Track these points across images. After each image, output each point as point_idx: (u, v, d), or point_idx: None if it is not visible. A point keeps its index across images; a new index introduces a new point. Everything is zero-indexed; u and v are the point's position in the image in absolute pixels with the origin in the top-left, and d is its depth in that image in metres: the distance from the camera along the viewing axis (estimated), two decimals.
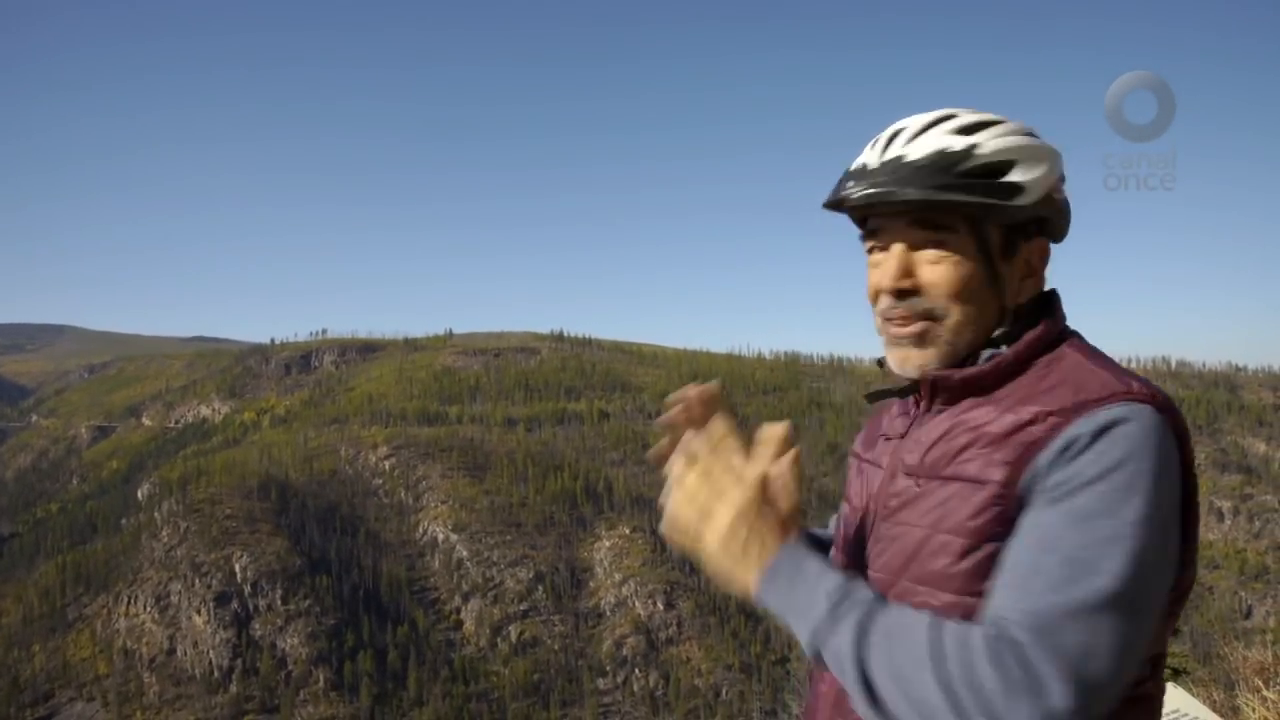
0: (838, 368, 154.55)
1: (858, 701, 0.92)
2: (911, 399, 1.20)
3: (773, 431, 1.10)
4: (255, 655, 78.77)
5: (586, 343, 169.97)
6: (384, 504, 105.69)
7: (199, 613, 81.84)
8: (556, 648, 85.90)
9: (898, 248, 1.11)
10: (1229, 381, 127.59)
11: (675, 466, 1.03)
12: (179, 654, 79.99)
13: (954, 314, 1.10)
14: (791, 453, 1.08)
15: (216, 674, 77.64)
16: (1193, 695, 4.41)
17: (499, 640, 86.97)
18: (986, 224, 1.09)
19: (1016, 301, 1.13)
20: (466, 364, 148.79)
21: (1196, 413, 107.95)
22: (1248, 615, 79.36)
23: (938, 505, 1.05)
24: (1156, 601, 0.93)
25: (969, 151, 1.07)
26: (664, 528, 1.03)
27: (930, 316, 1.10)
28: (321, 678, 77.94)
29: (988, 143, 1.08)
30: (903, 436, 1.17)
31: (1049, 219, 1.13)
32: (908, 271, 1.10)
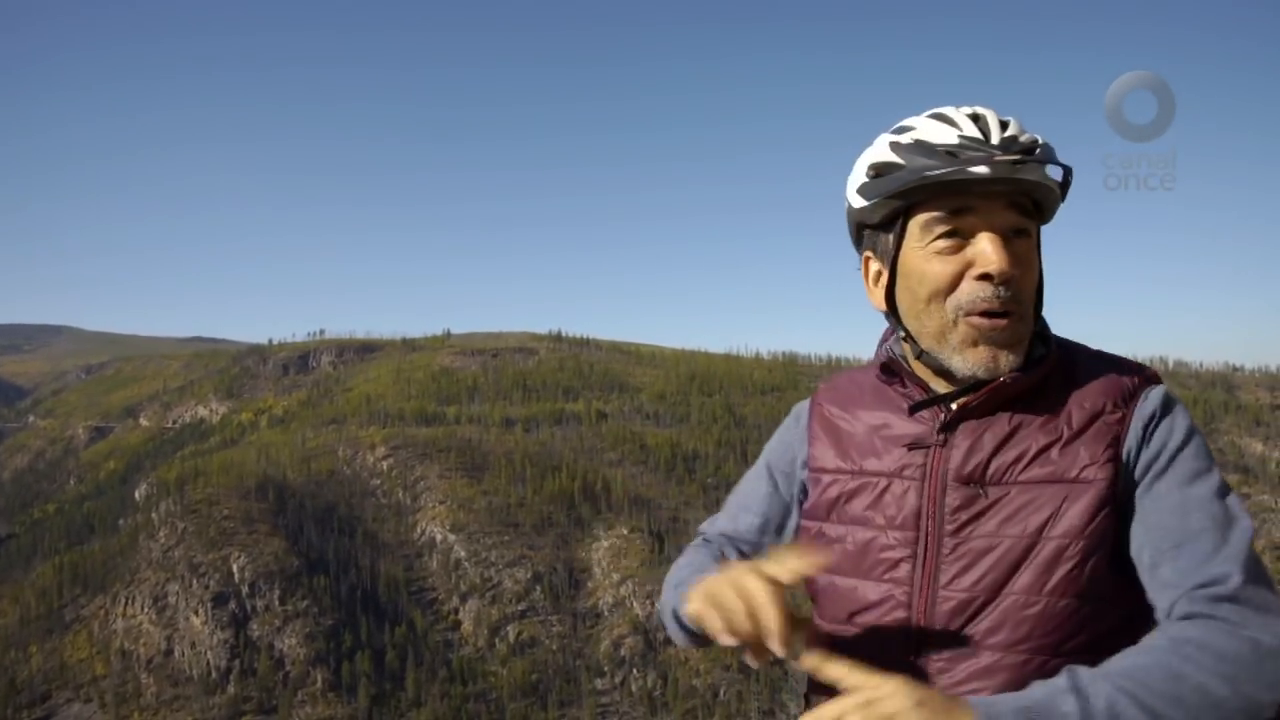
0: (835, 368, 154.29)
1: None
2: (915, 402, 1.12)
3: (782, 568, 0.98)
4: (253, 656, 78.59)
5: (584, 343, 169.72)
6: (382, 504, 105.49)
7: (196, 613, 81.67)
8: (554, 648, 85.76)
9: (989, 234, 1.01)
10: (1226, 381, 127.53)
11: None
12: (176, 655, 79.80)
13: (1030, 308, 1.06)
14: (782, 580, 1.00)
15: (214, 675, 77.44)
16: None
17: (497, 640, 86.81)
18: (1044, 218, 1.07)
19: None
20: (464, 364, 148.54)
21: (1194, 412, 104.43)
22: None
23: (1033, 510, 1.00)
24: None
25: (1050, 146, 1.04)
26: None
27: (1014, 313, 1.03)
28: (319, 678, 77.79)
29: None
30: (942, 445, 1.07)
31: None
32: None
